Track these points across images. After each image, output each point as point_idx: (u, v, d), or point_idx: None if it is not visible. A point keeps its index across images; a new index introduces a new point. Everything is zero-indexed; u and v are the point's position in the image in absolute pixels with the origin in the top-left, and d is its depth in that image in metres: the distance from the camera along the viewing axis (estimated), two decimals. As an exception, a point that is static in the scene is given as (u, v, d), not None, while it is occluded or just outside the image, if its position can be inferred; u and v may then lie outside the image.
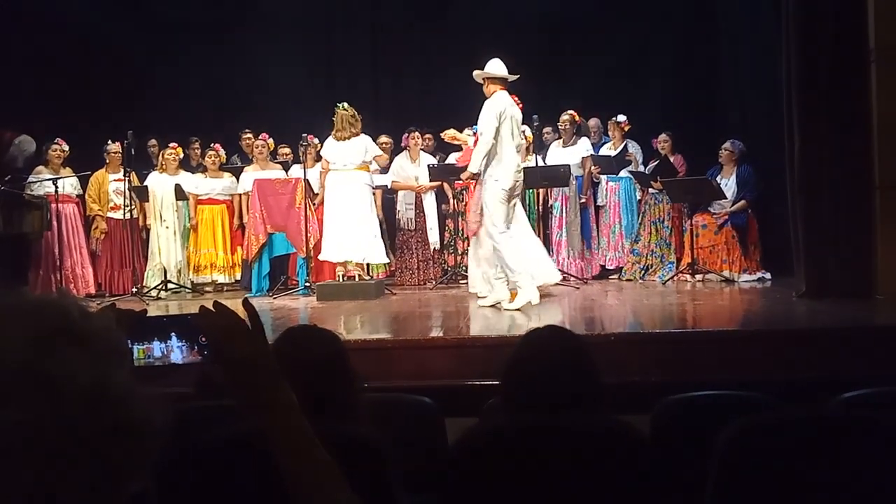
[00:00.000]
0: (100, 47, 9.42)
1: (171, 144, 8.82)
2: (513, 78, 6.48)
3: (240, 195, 8.86)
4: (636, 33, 9.75)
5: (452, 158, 8.71)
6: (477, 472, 2.01)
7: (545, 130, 9.00)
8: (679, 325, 5.85)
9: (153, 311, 1.21)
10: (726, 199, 8.19)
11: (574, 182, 8.58)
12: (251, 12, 10.03)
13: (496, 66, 6.46)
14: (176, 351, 1.13)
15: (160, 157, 8.86)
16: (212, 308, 1.13)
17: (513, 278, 6.25)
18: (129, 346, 1.10)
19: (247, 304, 1.21)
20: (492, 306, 6.34)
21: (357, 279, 7.77)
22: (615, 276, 8.75)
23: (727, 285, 7.82)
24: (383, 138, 8.79)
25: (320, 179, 8.25)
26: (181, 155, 8.90)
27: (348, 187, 7.67)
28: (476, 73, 6.52)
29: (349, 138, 7.69)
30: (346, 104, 7.83)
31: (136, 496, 0.84)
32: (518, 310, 6.06)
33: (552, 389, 2.05)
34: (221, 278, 8.83)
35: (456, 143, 7.84)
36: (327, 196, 7.86)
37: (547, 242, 8.49)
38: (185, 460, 1.83)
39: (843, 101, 6.13)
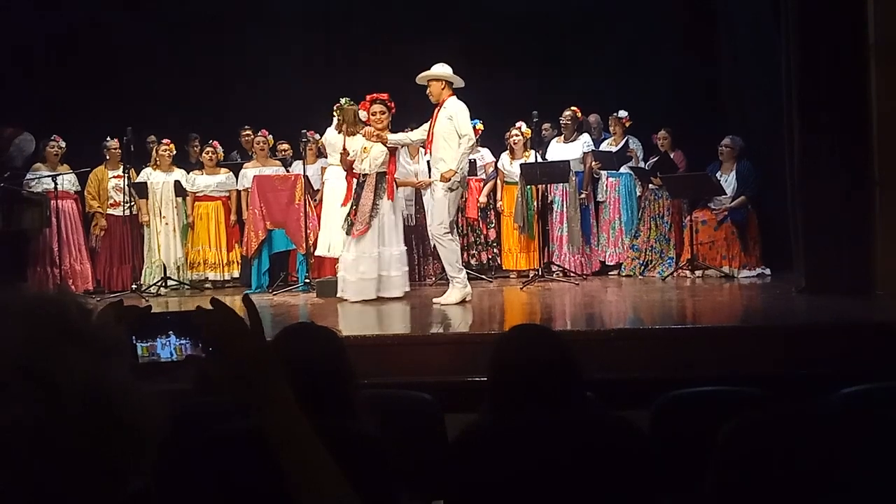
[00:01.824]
0: (97, 42, 9.40)
1: (164, 140, 8.79)
2: (459, 83, 6.53)
3: (238, 192, 8.83)
4: (636, 29, 9.72)
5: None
6: (476, 469, 2.02)
7: (544, 127, 8.98)
8: (678, 320, 5.86)
9: (153, 308, 1.21)
10: (726, 195, 8.17)
11: (574, 178, 8.57)
12: (251, 8, 10.01)
13: (448, 70, 6.50)
14: (179, 348, 1.13)
15: (154, 154, 8.83)
16: (209, 306, 1.12)
17: (453, 274, 6.61)
18: (133, 343, 1.10)
19: (246, 301, 1.21)
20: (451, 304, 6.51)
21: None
22: (615, 272, 8.74)
23: (727, 281, 7.81)
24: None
25: (320, 175, 8.23)
26: (174, 151, 8.87)
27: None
28: (426, 74, 6.54)
29: (354, 135, 7.66)
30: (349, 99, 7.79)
31: (136, 494, 0.84)
32: (454, 304, 6.43)
33: (534, 387, 2.05)
34: (213, 276, 8.79)
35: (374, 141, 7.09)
36: (326, 189, 7.84)
37: (547, 238, 8.49)
38: (185, 458, 1.83)
39: (843, 97, 6.12)
